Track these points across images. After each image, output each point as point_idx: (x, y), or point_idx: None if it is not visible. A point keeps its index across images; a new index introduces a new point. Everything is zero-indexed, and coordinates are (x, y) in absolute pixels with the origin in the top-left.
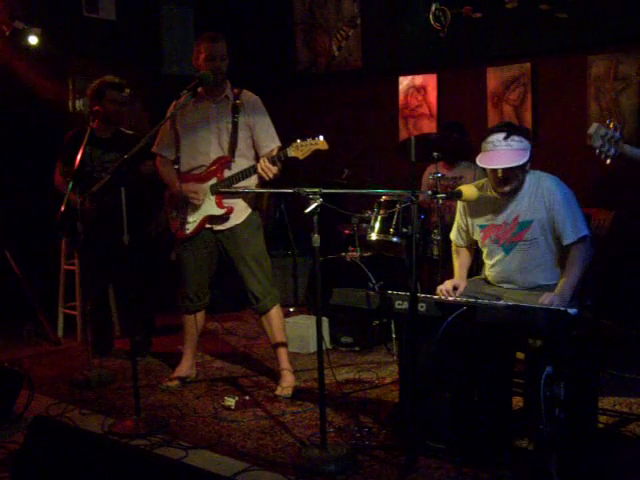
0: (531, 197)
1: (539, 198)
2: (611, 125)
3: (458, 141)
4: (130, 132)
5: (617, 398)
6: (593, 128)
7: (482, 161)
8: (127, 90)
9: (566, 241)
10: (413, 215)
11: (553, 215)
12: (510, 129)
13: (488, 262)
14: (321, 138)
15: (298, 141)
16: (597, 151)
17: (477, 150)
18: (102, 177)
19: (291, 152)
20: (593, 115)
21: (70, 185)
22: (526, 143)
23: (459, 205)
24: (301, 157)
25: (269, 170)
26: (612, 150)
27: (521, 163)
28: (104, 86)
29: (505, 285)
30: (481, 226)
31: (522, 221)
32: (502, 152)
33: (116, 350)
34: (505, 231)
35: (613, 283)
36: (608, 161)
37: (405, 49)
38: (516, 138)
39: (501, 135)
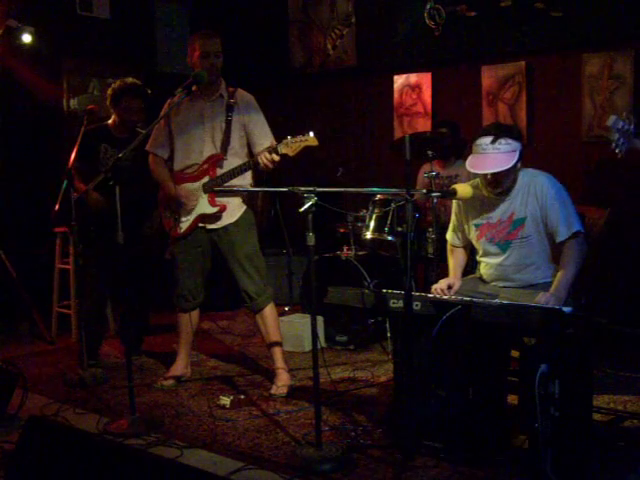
0: (524, 195)
1: (532, 195)
2: (626, 118)
3: (450, 138)
4: (144, 131)
5: (612, 396)
6: (611, 121)
7: (470, 165)
8: (149, 92)
9: (559, 237)
10: (408, 214)
11: (546, 212)
12: (498, 132)
13: (483, 261)
14: (311, 134)
15: (288, 138)
16: (613, 144)
17: (470, 149)
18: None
19: (282, 149)
20: (587, 114)
21: (64, 184)
22: (515, 144)
23: (454, 205)
24: (291, 154)
25: (271, 160)
26: (626, 143)
27: (508, 167)
28: (122, 91)
29: (501, 283)
30: (476, 225)
31: (516, 219)
32: (489, 156)
33: (100, 361)
34: (500, 229)
35: (607, 281)
36: (620, 155)
37: (400, 48)
38: (503, 141)
39: (488, 139)
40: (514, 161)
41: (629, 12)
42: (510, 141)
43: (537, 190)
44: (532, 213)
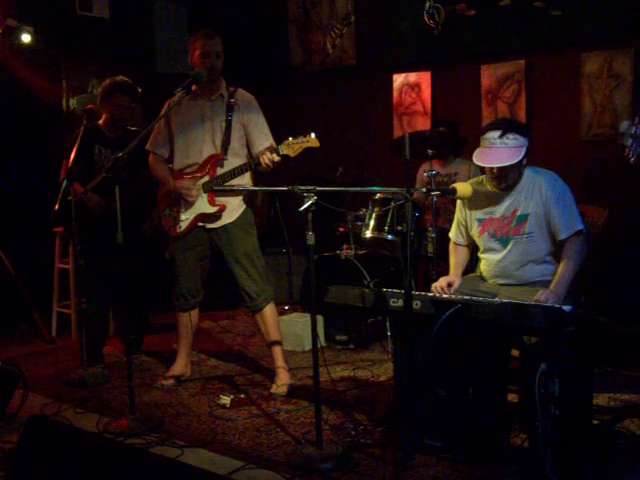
0: (528, 191)
1: (535, 193)
2: (638, 123)
3: (449, 137)
4: (134, 129)
5: (612, 395)
6: (624, 127)
7: (477, 158)
8: (139, 90)
9: (561, 236)
10: (407, 213)
11: (549, 210)
12: (506, 127)
13: (484, 257)
14: (312, 135)
15: (290, 139)
16: (626, 150)
17: (470, 146)
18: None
19: (283, 150)
20: (586, 112)
21: (64, 184)
22: (522, 140)
23: (458, 202)
24: (293, 155)
25: (272, 160)
26: (639, 148)
27: (514, 162)
28: (113, 88)
29: (501, 280)
30: (479, 219)
31: (520, 214)
32: (497, 150)
33: (104, 365)
34: (503, 224)
35: (607, 280)
36: (632, 159)
37: (399, 47)
38: (511, 136)
39: (497, 133)
40: (520, 156)
41: (628, 11)
42: (517, 136)
43: (542, 188)
44: (535, 210)
